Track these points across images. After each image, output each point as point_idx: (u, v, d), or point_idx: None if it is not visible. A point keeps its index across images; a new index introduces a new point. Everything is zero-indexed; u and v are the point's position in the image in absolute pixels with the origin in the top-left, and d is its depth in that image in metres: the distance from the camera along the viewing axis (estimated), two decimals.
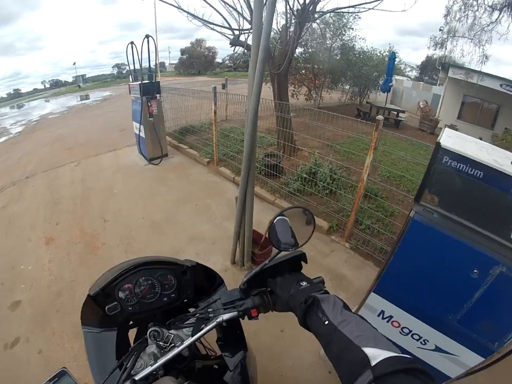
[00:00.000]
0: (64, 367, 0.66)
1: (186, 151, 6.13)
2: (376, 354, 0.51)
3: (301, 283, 0.81)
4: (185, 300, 1.13)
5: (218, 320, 0.84)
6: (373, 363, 0.50)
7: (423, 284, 1.39)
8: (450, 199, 1.26)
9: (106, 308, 1.00)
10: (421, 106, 12.88)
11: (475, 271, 1.17)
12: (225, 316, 0.85)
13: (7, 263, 3.40)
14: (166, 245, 3.38)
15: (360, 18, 10.52)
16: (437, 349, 1.49)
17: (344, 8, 4.52)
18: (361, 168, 3.02)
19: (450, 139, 1.28)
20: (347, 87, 12.58)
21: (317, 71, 10.60)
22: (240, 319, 0.91)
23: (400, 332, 1.59)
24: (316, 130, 4.05)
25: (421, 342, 1.54)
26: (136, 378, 0.78)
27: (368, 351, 0.53)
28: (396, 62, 10.86)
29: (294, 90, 10.62)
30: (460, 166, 1.15)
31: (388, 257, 1.48)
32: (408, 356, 0.51)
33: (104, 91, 28.25)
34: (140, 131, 5.51)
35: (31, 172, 6.22)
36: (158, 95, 5.47)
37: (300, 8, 4.39)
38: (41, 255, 3.46)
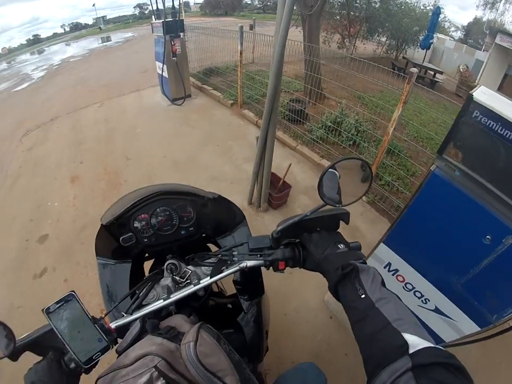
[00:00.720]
0: (73, 291, 0.66)
1: (210, 92, 5.97)
2: (416, 343, 0.48)
3: (339, 245, 0.74)
4: (204, 235, 1.07)
5: (242, 265, 0.79)
6: (411, 351, 0.47)
7: (433, 241, 1.35)
8: (475, 157, 1.16)
9: (121, 238, 0.96)
10: (461, 70, 11.83)
11: (488, 237, 1.12)
12: (250, 263, 0.79)
13: (35, 201, 3.58)
14: (186, 182, 3.41)
15: None
16: (436, 310, 1.48)
17: None
18: (389, 122, 2.88)
19: (485, 95, 1.15)
20: (384, 39, 11.61)
21: (352, 18, 9.76)
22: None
23: (403, 287, 1.59)
24: (346, 80, 3.84)
25: (422, 301, 1.54)
26: (147, 310, 0.76)
27: (408, 337, 0.49)
28: (439, 19, 9.82)
29: (326, 37, 9.92)
30: (490, 123, 1.05)
31: (403, 208, 1.44)
32: (447, 350, 0.48)
33: (125, 32, 27.31)
34: (162, 71, 5.35)
35: (55, 114, 6.30)
36: (181, 34, 5.23)
37: None
38: (67, 192, 3.62)
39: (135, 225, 0.97)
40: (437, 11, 8.80)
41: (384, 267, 1.63)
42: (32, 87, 10.68)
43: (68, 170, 4.09)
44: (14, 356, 0.65)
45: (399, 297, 0.61)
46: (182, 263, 0.90)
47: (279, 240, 0.80)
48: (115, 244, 0.98)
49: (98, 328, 0.67)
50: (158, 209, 0.98)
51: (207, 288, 0.90)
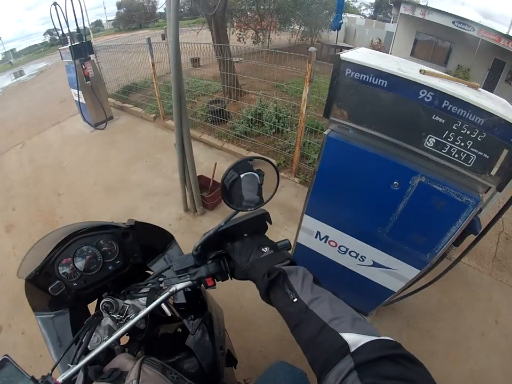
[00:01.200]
0: (6, 355, 0.62)
1: (131, 110, 5.90)
2: (356, 340, 0.46)
3: (263, 249, 0.71)
4: (135, 264, 1.04)
5: (171, 290, 0.76)
6: (352, 349, 0.46)
7: (348, 200, 1.40)
8: (360, 112, 1.21)
9: (49, 288, 0.92)
10: (374, 43, 12.76)
11: (395, 183, 1.19)
12: (179, 286, 0.77)
13: None
14: (121, 204, 3.44)
15: None
16: (375, 264, 1.53)
17: None
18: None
19: (358, 54, 1.23)
20: (297, 27, 12.10)
21: (263, 12, 10.05)
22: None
23: (338, 251, 1.64)
24: (264, 72, 3.99)
25: (359, 259, 1.59)
26: (89, 357, 0.72)
27: (347, 337, 0.47)
28: None
29: (240, 34, 10.12)
30: (363, 76, 1.12)
31: (311, 177, 1.49)
32: (391, 339, 0.47)
33: (39, 63, 25.38)
34: (79, 97, 5.20)
35: None
36: (92, 56, 5.13)
37: None
38: (4, 244, 3.45)
39: (60, 271, 0.93)
40: None
41: (315, 237, 1.67)
42: None
43: (1, 220, 3.87)
44: None
45: (334, 293, 0.59)
46: (118, 299, 0.87)
47: (202, 256, 0.78)
48: (46, 296, 0.93)
49: None
50: (79, 250, 0.94)
51: (147, 319, 0.86)
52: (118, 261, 0.99)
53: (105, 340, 0.74)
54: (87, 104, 5.22)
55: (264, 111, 4.02)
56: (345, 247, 1.60)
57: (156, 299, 0.77)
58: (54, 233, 1.01)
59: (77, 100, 5.33)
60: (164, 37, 8.05)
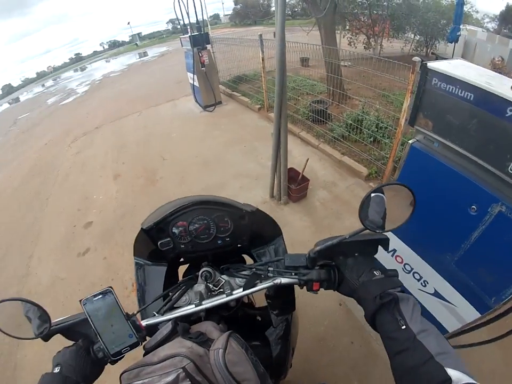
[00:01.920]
0: (110, 287, 0.69)
1: (239, 98, 6.36)
2: (458, 378, 0.47)
3: (375, 272, 0.71)
4: (239, 246, 1.07)
5: (276, 281, 0.78)
6: None
7: (422, 216, 1.20)
8: (444, 124, 1.16)
9: (159, 242, 0.99)
10: (496, 61, 11.22)
11: (473, 206, 1.09)
12: (284, 280, 0.79)
13: (82, 194, 4.14)
14: (214, 178, 3.77)
15: None
16: (436, 294, 1.43)
17: None
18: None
19: (449, 65, 1.17)
20: (411, 36, 11.32)
21: (376, 17, 9.68)
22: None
23: (403, 269, 1.56)
24: (372, 80, 3.92)
25: (421, 283, 1.50)
26: (179, 313, 0.78)
27: (452, 372, 0.48)
28: (465, 9, 9.38)
29: (351, 38, 9.91)
30: (449, 87, 1.08)
31: (384, 179, 1.41)
32: None
33: (160, 47, 28.68)
34: (194, 81, 5.80)
35: (99, 123, 7.02)
36: (208, 46, 5.68)
37: None
38: (110, 187, 4.12)
39: (173, 231, 1.00)
40: (460, 1, 8.42)
41: None
42: (77, 101, 11.68)
43: (111, 169, 4.63)
44: (46, 337, 0.71)
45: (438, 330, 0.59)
46: (216, 271, 0.92)
47: (315, 260, 0.79)
48: (152, 247, 1.01)
49: (130, 325, 0.70)
50: (196, 218, 1.00)
51: (239, 299, 0.90)
52: (228, 238, 1.02)
53: (196, 304, 0.79)
54: (200, 88, 5.79)
55: (365, 118, 3.95)
56: (410, 266, 1.52)
57: (257, 285, 0.80)
58: (182, 199, 1.06)
59: (192, 82, 5.98)
60: (275, 34, 8.36)
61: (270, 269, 0.84)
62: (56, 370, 0.63)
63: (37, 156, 6.44)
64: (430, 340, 0.54)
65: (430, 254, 1.38)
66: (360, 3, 9.51)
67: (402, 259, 1.55)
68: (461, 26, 8.81)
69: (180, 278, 1.12)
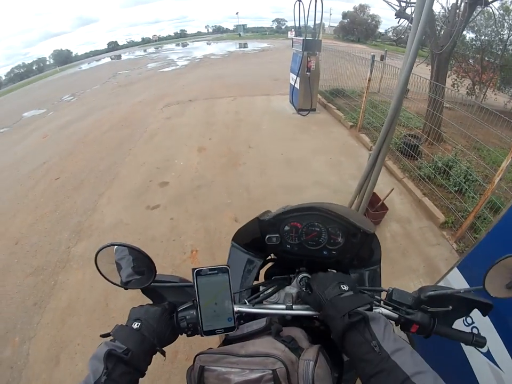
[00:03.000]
0: (227, 265, 0.67)
1: (333, 111, 6.43)
2: None
3: (343, 286, 0.69)
4: (337, 261, 1.06)
5: (377, 310, 0.73)
6: None
7: None
8: None
9: (268, 236, 0.99)
10: None
11: None
12: (385, 312, 0.74)
13: (164, 155, 4.53)
14: (295, 180, 3.90)
15: None
16: (488, 355, 1.31)
17: None
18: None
19: None
20: None
21: (486, 64, 9.04)
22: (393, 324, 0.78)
23: (463, 320, 1.43)
24: (469, 128, 3.79)
25: None
26: (274, 311, 0.78)
27: None
28: None
29: (456, 80, 9.44)
30: None
31: (482, 234, 1.36)
32: None
33: (262, 42, 29.78)
34: (295, 82, 6.04)
35: (193, 97, 7.58)
36: (318, 53, 5.88)
37: None
38: (193, 157, 4.47)
39: (285, 228, 1.00)
40: None
41: None
42: (176, 72, 12.70)
43: (197, 141, 5.01)
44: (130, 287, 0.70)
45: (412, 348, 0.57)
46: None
47: (421, 303, 0.76)
48: (258, 237, 1.01)
49: (233, 309, 0.67)
50: (311, 223, 0.99)
51: None
52: (335, 252, 1.01)
53: (287, 306, 0.77)
54: (299, 90, 6.01)
55: (455, 165, 3.86)
56: (472, 320, 1.39)
57: None
58: (306, 203, 1.07)
59: (292, 83, 6.24)
60: (382, 57, 8.32)
61: (377, 297, 0.83)
62: (136, 325, 0.61)
63: (129, 110, 7.19)
64: (405, 359, 0.51)
65: (500, 314, 1.24)
66: (473, 46, 9.00)
67: None
68: None
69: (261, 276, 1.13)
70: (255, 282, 1.03)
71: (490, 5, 5.06)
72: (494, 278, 0.67)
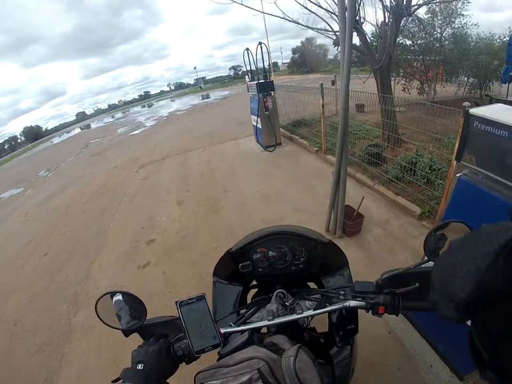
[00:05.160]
0: (203, 293, 0.77)
1: (298, 140, 6.83)
2: None
3: None
4: (310, 272, 1.17)
5: (345, 304, 0.86)
6: None
7: None
8: (486, 159, 1.33)
9: (240, 265, 1.13)
10: None
11: None
12: (353, 303, 0.86)
13: (147, 215, 4.64)
14: (273, 211, 4.03)
15: (470, 2, 9.26)
16: None
17: None
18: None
19: (488, 109, 1.39)
20: (464, 79, 11.17)
21: (429, 63, 9.85)
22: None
23: None
24: (426, 124, 4.03)
25: None
26: (256, 324, 0.88)
27: None
28: None
29: (405, 84, 10.12)
30: (488, 128, 1.29)
31: (436, 219, 1.53)
32: None
33: (222, 91, 31.11)
34: (257, 123, 6.41)
35: (165, 154, 7.86)
36: (272, 92, 6.30)
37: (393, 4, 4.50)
38: (174, 211, 4.59)
39: (254, 256, 1.13)
40: (511, 41, 8.25)
41: None
42: (145, 133, 13.05)
43: (176, 195, 5.17)
44: (129, 333, 0.81)
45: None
46: (288, 294, 1.03)
47: (382, 287, 0.85)
48: (233, 268, 1.15)
49: (216, 328, 0.77)
50: (275, 246, 1.13)
51: (308, 319, 1.03)
52: (302, 265, 1.14)
53: (269, 320, 0.88)
54: (262, 129, 6.37)
55: (418, 160, 4.10)
56: None
57: (326, 307, 0.89)
58: (265, 229, 1.20)
59: (255, 124, 6.63)
60: (333, 82, 8.91)
61: (341, 292, 0.92)
62: (139, 367, 0.69)
63: (106, 176, 7.32)
64: None
65: None
66: (413, 50, 9.84)
67: None
68: None
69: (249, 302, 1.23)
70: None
71: (415, 13, 5.53)
72: (432, 244, 0.77)
